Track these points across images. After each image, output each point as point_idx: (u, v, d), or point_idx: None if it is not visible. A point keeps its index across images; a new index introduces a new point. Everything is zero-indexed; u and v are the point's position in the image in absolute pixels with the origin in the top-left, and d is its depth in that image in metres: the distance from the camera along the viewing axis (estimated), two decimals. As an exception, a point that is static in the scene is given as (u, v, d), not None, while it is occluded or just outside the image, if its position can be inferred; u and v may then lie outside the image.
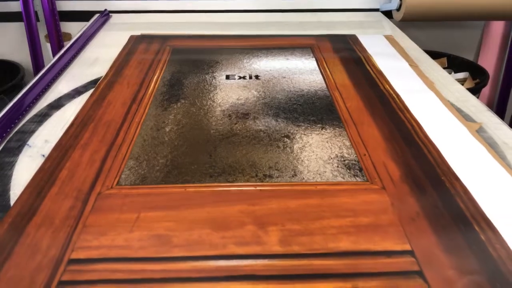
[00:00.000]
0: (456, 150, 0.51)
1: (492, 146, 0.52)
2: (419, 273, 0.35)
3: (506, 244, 0.38)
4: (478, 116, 0.59)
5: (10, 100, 0.95)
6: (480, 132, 0.55)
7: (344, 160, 0.49)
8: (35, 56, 1.01)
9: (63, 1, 1.07)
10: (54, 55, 1.03)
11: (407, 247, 0.37)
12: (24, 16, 0.99)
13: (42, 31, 1.07)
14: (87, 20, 1.01)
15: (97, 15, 1.02)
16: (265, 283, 0.34)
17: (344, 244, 0.38)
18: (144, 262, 0.36)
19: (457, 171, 0.47)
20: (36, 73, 1.05)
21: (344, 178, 0.46)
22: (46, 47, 1.06)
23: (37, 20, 1.04)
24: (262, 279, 0.34)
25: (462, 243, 0.38)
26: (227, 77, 0.71)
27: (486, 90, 1.25)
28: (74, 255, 0.36)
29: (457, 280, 0.34)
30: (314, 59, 0.79)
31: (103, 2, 1.07)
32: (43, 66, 1.05)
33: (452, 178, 0.46)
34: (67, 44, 0.85)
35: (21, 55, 1.10)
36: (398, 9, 1.04)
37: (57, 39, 1.01)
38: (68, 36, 1.08)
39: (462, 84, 0.87)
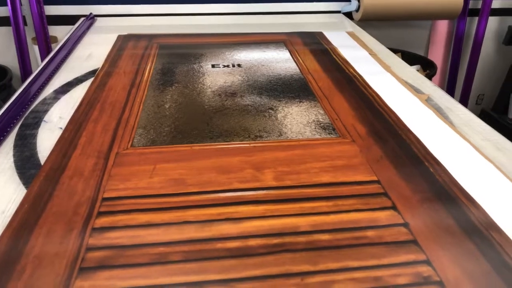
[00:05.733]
0: (409, 113, 0.62)
1: (437, 109, 0.64)
2: (384, 194, 0.45)
3: (449, 173, 0.48)
4: (426, 90, 0.71)
5: (1, 99, 0.99)
6: (428, 101, 0.67)
7: (320, 123, 0.59)
8: (23, 58, 1.06)
9: (48, 6, 1.13)
10: (42, 57, 1.09)
11: (374, 178, 0.48)
12: (12, 21, 1.03)
13: (28, 34, 1.12)
14: (72, 24, 1.07)
15: (82, 18, 1.08)
16: (265, 205, 0.43)
17: (325, 178, 0.47)
18: (165, 197, 0.44)
19: (411, 127, 0.58)
20: (23, 74, 1.09)
21: (321, 136, 0.56)
22: (33, 50, 1.11)
23: (25, 24, 1.09)
24: (262, 203, 0.43)
25: (416, 174, 0.48)
26: (213, 66, 0.80)
27: (435, 80, 1.41)
28: (106, 195, 0.44)
29: (412, 197, 0.45)
30: (287, 50, 0.89)
31: (87, 6, 1.14)
32: (30, 68, 1.11)
33: (407, 132, 0.57)
34: (58, 44, 0.91)
35: (7, 58, 1.14)
36: (357, 10, 1.17)
37: (45, 42, 1.07)
38: (55, 39, 1.13)
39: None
